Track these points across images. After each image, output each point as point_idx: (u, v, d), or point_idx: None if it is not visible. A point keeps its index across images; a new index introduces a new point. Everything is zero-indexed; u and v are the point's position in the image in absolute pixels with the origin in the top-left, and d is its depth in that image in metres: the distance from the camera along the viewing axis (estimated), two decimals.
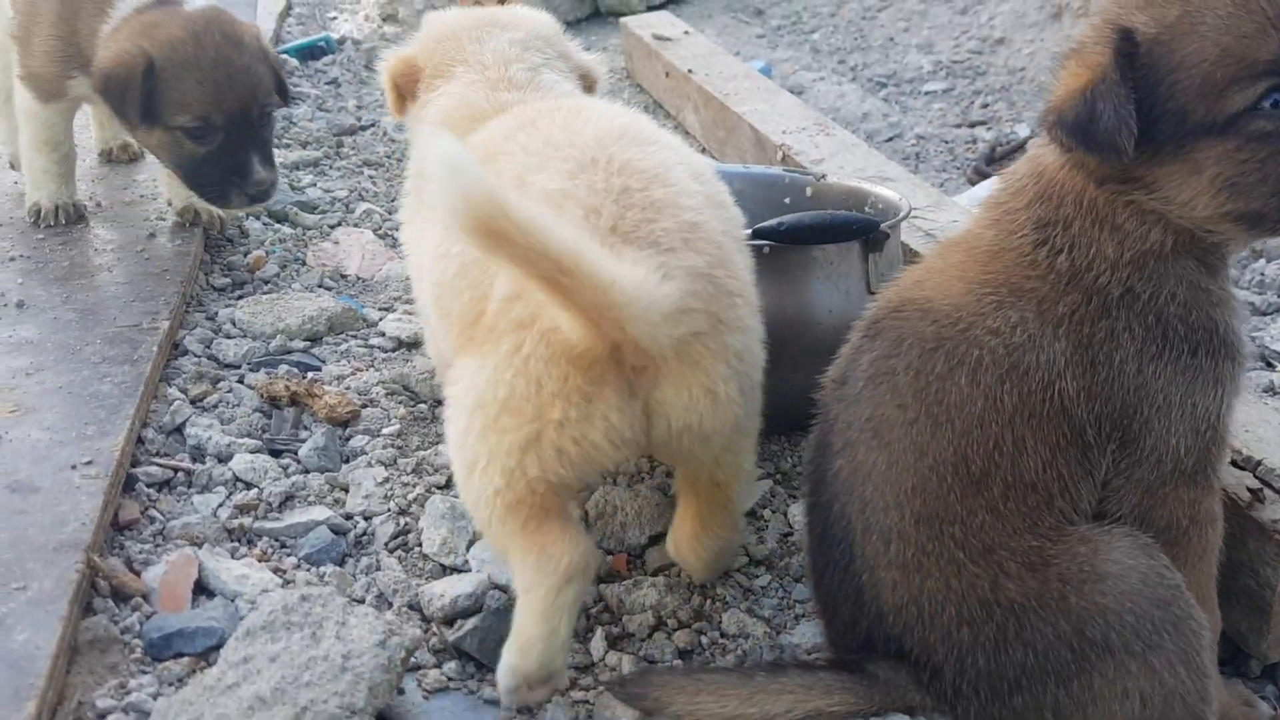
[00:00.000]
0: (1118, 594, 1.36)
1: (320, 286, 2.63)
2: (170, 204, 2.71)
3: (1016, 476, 1.39)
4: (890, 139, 3.53)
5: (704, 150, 3.61)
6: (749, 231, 1.84)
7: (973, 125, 3.71)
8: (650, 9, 5.26)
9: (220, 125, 2.35)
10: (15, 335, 2.17)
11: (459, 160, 1.18)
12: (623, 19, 4.50)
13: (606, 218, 1.40)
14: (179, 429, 2.02)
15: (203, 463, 1.93)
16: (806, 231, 1.83)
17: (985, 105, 3.90)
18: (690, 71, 3.65)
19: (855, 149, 2.88)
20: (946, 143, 3.54)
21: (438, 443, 2.06)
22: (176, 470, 1.89)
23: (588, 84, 1.98)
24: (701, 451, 1.47)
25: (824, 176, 2.41)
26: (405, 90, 1.94)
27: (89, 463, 1.77)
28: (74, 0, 2.49)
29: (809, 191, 2.41)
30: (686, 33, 4.13)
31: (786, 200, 2.44)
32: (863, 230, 1.90)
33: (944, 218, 2.46)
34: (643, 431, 1.40)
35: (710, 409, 1.41)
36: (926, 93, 4.06)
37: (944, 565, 1.38)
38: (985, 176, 3.19)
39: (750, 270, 1.58)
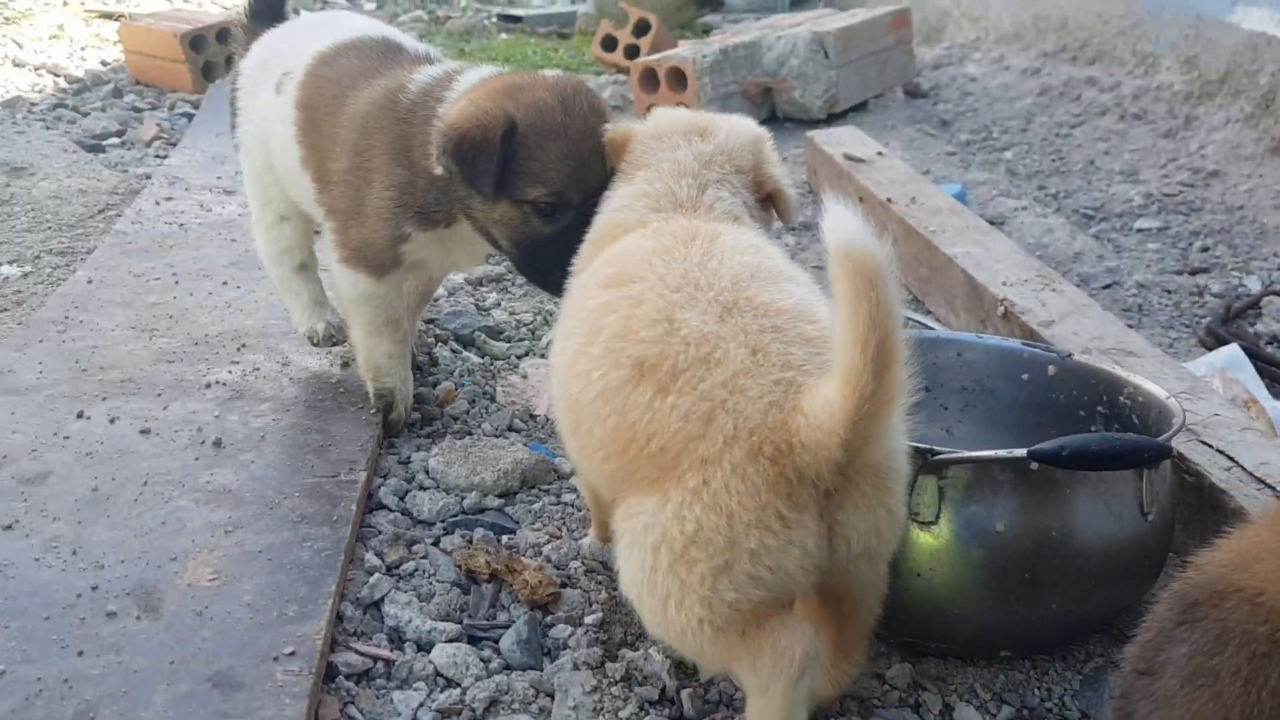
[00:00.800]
0: None
1: (510, 430, 2.52)
2: (370, 382, 2.42)
3: None
4: (1108, 286, 3.28)
5: (899, 283, 3.42)
6: (1023, 451, 1.65)
7: (1194, 272, 3.44)
8: (831, 116, 5.12)
9: (574, 204, 2.03)
10: (214, 481, 2.09)
11: (851, 220, 1.27)
12: (809, 133, 4.36)
13: (775, 355, 1.44)
14: (377, 603, 1.90)
15: (402, 650, 1.81)
16: (1091, 458, 1.62)
17: (1205, 249, 3.62)
18: (889, 201, 3.47)
19: (1087, 311, 2.65)
20: (1169, 293, 3.27)
21: (641, 635, 1.90)
22: (376, 660, 1.77)
23: (777, 203, 1.94)
24: (869, 574, 1.49)
25: (1070, 355, 2.19)
26: (614, 158, 1.96)
27: (291, 653, 1.65)
28: (402, 124, 2.19)
29: (1051, 370, 2.20)
30: (880, 153, 3.96)
31: (1025, 376, 2.23)
32: (1154, 457, 1.68)
33: (1203, 409, 2.21)
34: (827, 556, 1.41)
35: (890, 529, 1.44)
36: (1139, 230, 3.80)
37: None
38: (1221, 341, 2.92)
39: None
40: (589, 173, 2.02)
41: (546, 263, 2.08)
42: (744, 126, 1.98)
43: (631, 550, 1.44)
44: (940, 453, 1.70)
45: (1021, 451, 1.64)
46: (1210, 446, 2.09)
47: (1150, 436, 2.00)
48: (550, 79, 2.12)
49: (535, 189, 2.03)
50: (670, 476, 1.40)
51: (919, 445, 1.72)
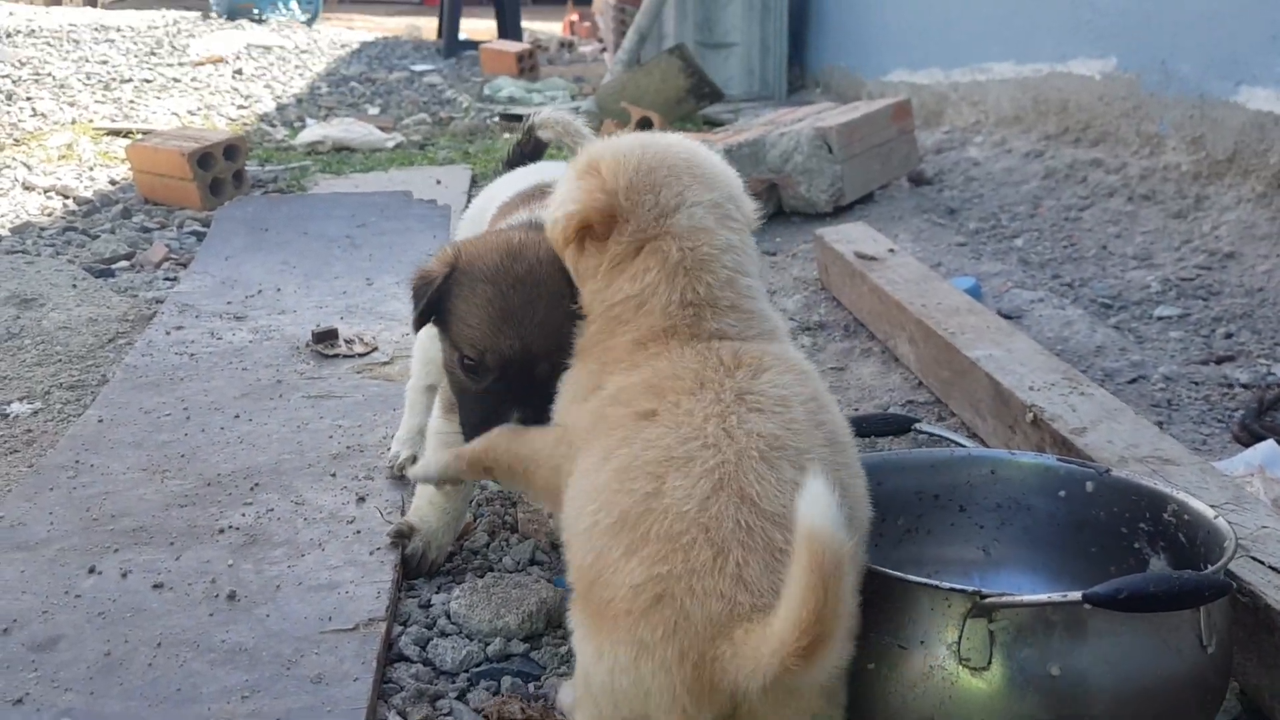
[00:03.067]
0: None
1: (532, 563, 2.45)
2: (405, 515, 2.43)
3: None
4: (1133, 380, 3.22)
5: (920, 384, 3.37)
6: (1078, 594, 1.58)
7: (1220, 361, 3.37)
8: (837, 209, 5.12)
9: (492, 369, 1.94)
10: (229, 640, 2.02)
11: (826, 506, 1.31)
12: (818, 230, 4.34)
13: (732, 565, 1.48)
14: None
15: None
16: (1150, 600, 1.54)
17: (1229, 335, 3.56)
18: (906, 302, 3.43)
19: (1120, 415, 2.58)
20: (1196, 384, 3.21)
21: None
22: None
23: None
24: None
25: (1108, 471, 2.12)
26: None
27: None
28: None
29: (1089, 487, 2.13)
30: (891, 250, 3.94)
31: (1062, 493, 2.16)
32: (1215, 595, 1.60)
33: (1249, 521, 2.13)
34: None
35: (796, 712, 1.52)
36: (1159, 318, 3.74)
37: None
38: (1257, 437, 2.84)
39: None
40: (505, 345, 1.92)
41: (467, 414, 2.02)
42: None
43: (584, 668, 1.61)
44: (989, 595, 1.62)
45: (1077, 595, 1.56)
46: (1263, 564, 2.01)
47: (1198, 554, 1.93)
48: (507, 237, 2.02)
49: (461, 344, 1.96)
50: (610, 633, 1.52)
51: (966, 588, 1.66)
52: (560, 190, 1.88)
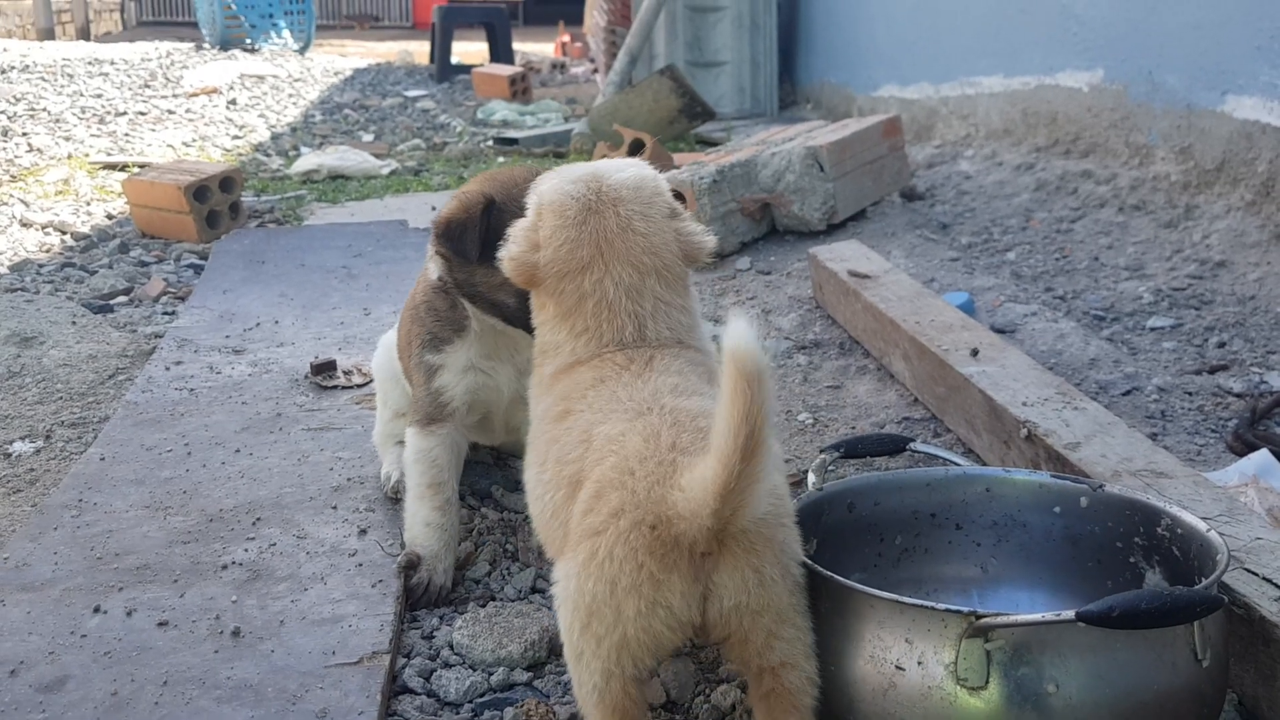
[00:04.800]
0: None
1: (534, 591, 2.46)
2: (405, 549, 2.45)
3: None
4: (1128, 392, 3.24)
5: (915, 401, 3.39)
6: (1071, 613, 1.60)
7: (1213, 371, 3.39)
8: (831, 227, 5.15)
9: None
10: (234, 677, 2.04)
11: (745, 329, 1.47)
12: (812, 249, 4.37)
13: (665, 439, 1.66)
14: None
15: None
16: (1143, 617, 1.56)
17: (1222, 344, 3.58)
18: (900, 320, 3.45)
19: (1113, 429, 2.60)
20: (1190, 394, 3.23)
21: None
22: None
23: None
24: (751, 629, 1.64)
25: (1102, 486, 2.15)
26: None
27: None
28: (418, 284, 2.55)
29: (1083, 502, 2.15)
30: (884, 268, 3.96)
31: (1057, 509, 2.18)
32: (1207, 610, 1.62)
33: (1243, 532, 2.15)
34: (699, 613, 1.62)
35: (757, 586, 1.62)
36: (1152, 329, 3.77)
37: None
38: (1251, 446, 2.86)
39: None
40: None
41: (524, 324, 2.24)
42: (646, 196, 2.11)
43: (560, 606, 1.70)
44: (984, 616, 1.64)
45: (1070, 614, 1.58)
46: (1257, 575, 2.02)
47: (1193, 568, 1.95)
48: (522, 168, 2.38)
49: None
50: (572, 546, 1.65)
51: (961, 609, 1.67)
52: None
